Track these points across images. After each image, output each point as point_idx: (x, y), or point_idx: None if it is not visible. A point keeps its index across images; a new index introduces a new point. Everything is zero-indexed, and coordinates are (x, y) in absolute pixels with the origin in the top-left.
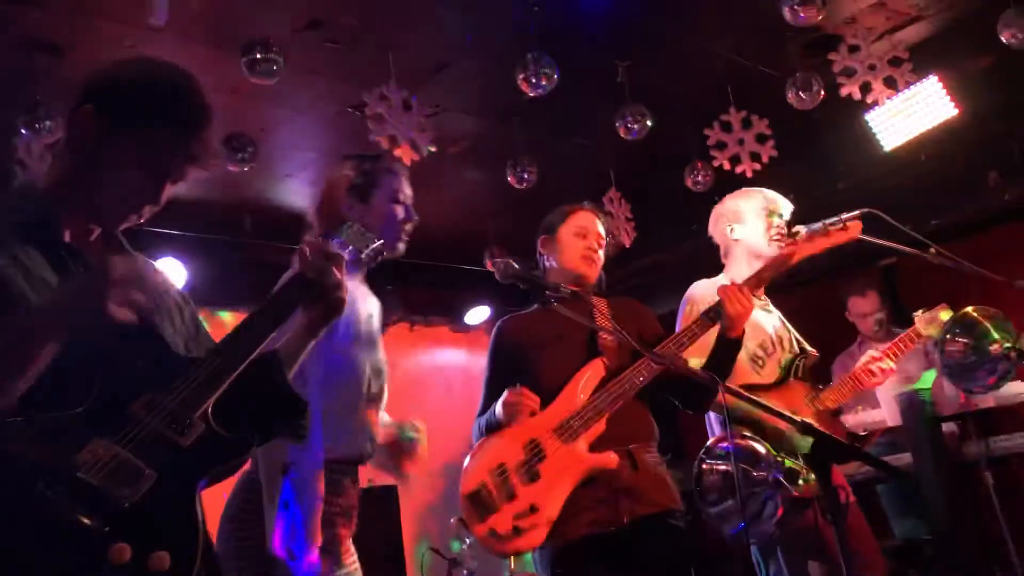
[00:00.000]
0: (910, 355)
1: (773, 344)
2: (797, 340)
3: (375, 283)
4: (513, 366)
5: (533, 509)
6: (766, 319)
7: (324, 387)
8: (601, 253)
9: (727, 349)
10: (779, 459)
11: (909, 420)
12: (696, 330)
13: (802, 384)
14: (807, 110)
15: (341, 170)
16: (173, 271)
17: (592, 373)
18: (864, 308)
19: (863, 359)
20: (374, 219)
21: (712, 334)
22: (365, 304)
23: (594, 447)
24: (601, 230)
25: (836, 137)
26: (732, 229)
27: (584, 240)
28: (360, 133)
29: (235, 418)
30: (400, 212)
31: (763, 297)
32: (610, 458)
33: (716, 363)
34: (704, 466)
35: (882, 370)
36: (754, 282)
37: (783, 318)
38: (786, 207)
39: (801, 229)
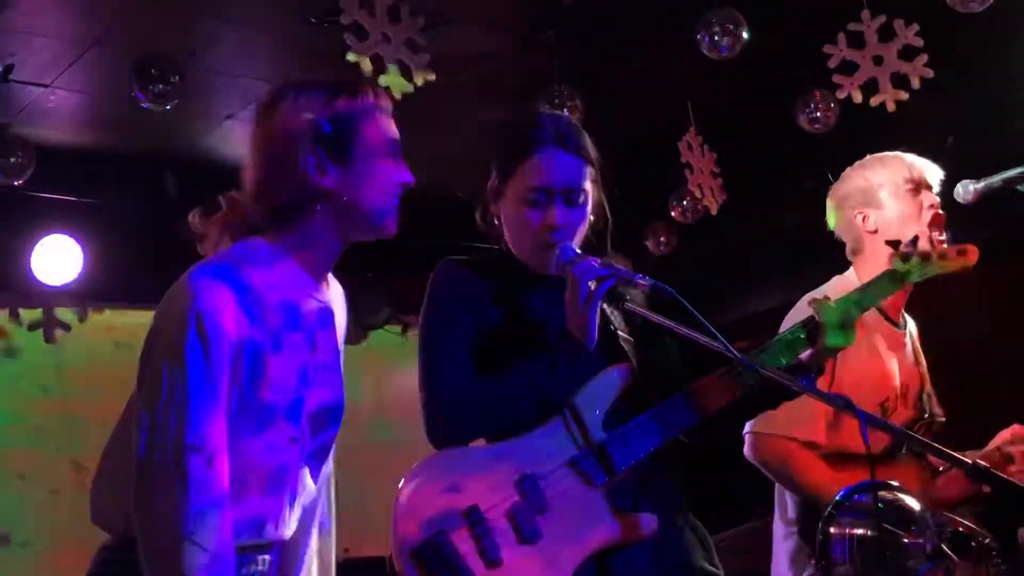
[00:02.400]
0: None
1: (896, 399)
2: (927, 394)
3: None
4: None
5: None
6: (894, 359)
7: None
8: (580, 215)
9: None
10: (944, 518)
11: None
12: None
13: (915, 463)
14: (973, 13)
15: (296, 108)
16: (63, 254)
17: (616, 381)
18: None
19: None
20: (358, 188)
21: None
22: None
23: (615, 499)
24: (587, 184)
25: (1018, 54)
26: (864, 217)
27: (539, 215)
28: (330, 54)
29: None
30: (394, 172)
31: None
32: (645, 522)
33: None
34: (832, 529)
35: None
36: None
37: (917, 344)
38: (936, 176)
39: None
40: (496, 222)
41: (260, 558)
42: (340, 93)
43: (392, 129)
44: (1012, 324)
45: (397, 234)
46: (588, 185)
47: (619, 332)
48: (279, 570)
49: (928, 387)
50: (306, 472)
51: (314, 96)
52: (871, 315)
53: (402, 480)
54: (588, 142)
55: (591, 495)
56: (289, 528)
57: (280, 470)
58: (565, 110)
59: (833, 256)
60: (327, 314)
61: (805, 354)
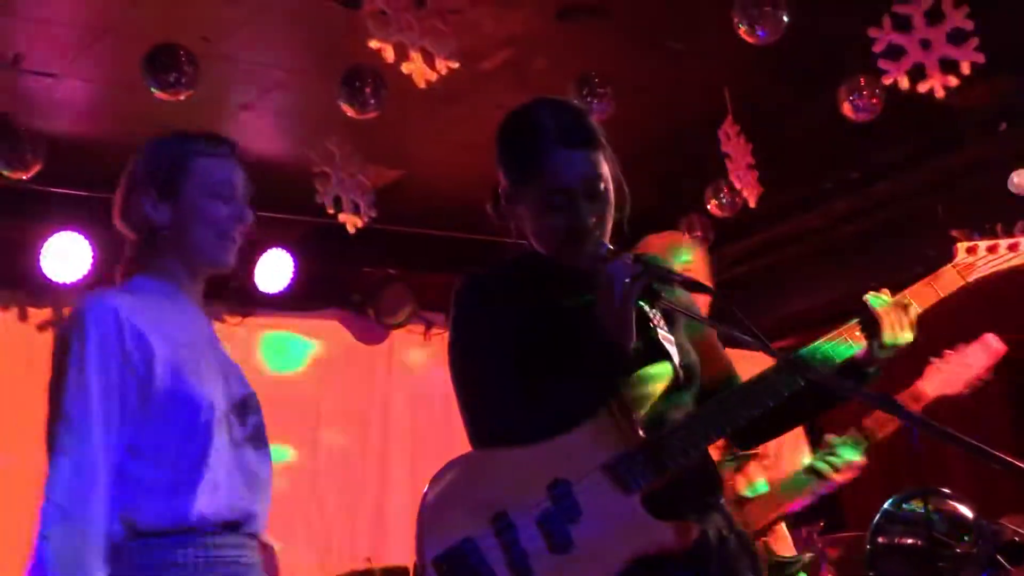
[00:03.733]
0: None
1: None
2: None
3: (370, 266)
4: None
5: None
6: None
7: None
8: (605, 205)
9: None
10: (998, 526)
11: None
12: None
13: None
14: None
15: (144, 152)
16: (71, 249)
17: (657, 384)
18: None
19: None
20: (187, 224)
21: None
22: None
23: (653, 505)
24: (603, 170)
25: None
26: None
27: (564, 219)
28: (351, 42)
29: None
30: (222, 210)
31: None
32: (687, 529)
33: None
34: (881, 539)
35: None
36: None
37: None
38: None
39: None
40: (512, 223)
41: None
42: (177, 137)
43: (222, 171)
44: None
45: (418, 227)
46: (605, 170)
47: (659, 330)
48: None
49: None
50: (250, 453)
51: (161, 141)
52: None
53: (428, 484)
54: (592, 123)
55: (627, 502)
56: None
57: (207, 452)
58: (596, 99)
59: (881, 250)
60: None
61: (860, 353)
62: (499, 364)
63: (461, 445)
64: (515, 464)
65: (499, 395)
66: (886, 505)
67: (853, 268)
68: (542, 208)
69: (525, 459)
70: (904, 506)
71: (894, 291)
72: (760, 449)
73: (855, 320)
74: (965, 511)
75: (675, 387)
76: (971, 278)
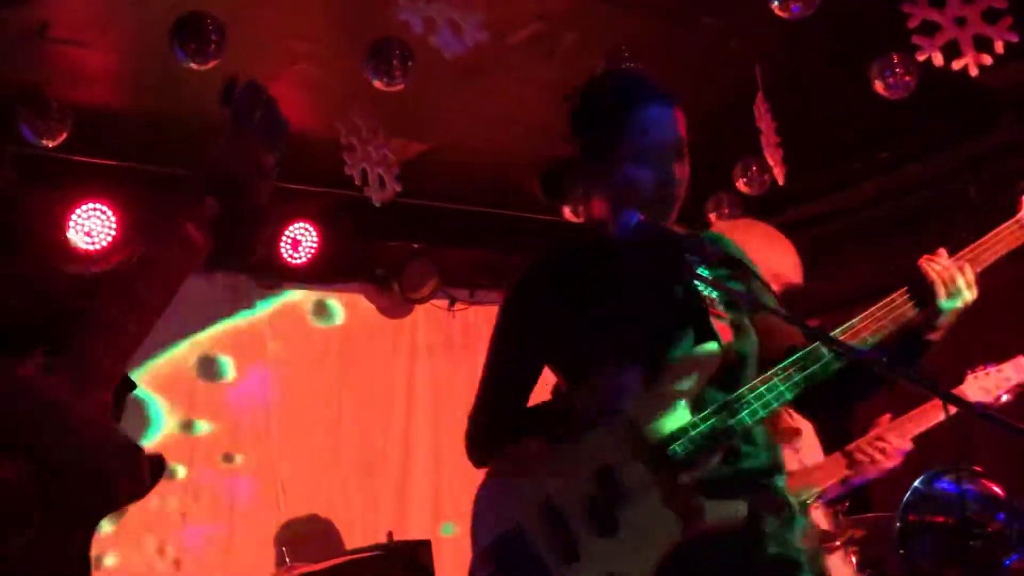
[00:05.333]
0: None
1: None
2: None
3: (395, 239)
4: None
5: None
6: None
7: None
8: (686, 168)
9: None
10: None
11: None
12: (882, 314)
13: None
14: None
15: None
16: (96, 220)
17: (702, 368)
18: None
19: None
20: None
21: None
22: None
23: (701, 487)
24: (683, 130)
25: None
26: None
27: (660, 160)
28: (377, 13)
29: None
30: None
31: None
32: (732, 507)
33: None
34: (911, 517)
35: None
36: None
37: None
38: None
39: None
40: (579, 193)
41: None
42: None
43: None
44: None
45: (444, 201)
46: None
47: (714, 311)
48: None
49: None
50: None
51: None
52: None
53: (484, 478)
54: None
55: (673, 483)
56: None
57: None
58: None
59: (913, 231)
60: None
61: (917, 319)
62: (507, 362)
63: None
64: (563, 453)
65: (490, 390)
66: (917, 483)
67: (883, 249)
68: (633, 161)
69: (571, 448)
70: (936, 484)
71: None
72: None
73: (904, 288)
74: (997, 490)
75: (724, 369)
76: None
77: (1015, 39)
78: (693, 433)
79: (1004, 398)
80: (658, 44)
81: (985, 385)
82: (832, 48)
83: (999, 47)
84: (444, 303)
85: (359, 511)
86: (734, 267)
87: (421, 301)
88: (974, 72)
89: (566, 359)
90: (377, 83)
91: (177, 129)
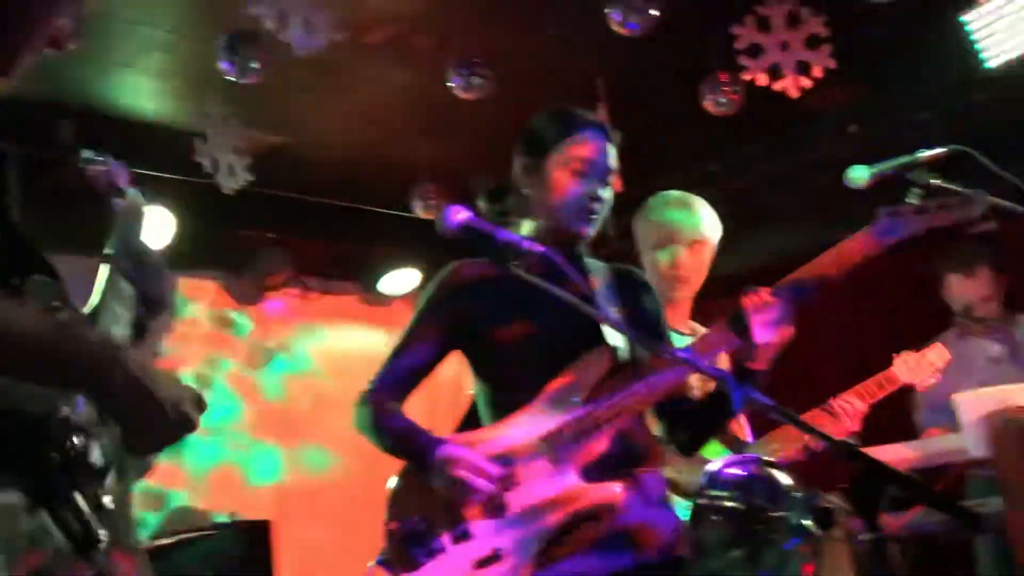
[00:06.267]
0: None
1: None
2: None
3: (248, 228)
4: (466, 337)
5: (496, 556)
6: None
7: None
8: (609, 195)
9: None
10: (810, 494)
11: (1003, 451)
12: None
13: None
14: (880, 3)
15: None
16: None
17: (595, 367)
18: (972, 292)
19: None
20: None
21: None
22: None
23: (588, 473)
24: (612, 161)
25: (921, 46)
26: None
27: (584, 181)
28: (232, 5)
29: None
30: None
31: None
32: (610, 490)
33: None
34: (702, 501)
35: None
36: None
37: None
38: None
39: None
40: (514, 205)
41: None
42: None
43: None
44: None
45: (301, 193)
46: (612, 178)
47: (609, 312)
48: None
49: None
50: None
51: None
52: None
53: None
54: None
55: (557, 470)
56: None
57: None
58: (476, 77)
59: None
60: None
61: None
62: (406, 353)
63: (328, 402)
64: (468, 442)
65: (386, 366)
66: (710, 467)
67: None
68: (565, 173)
69: (467, 442)
70: (728, 469)
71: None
72: None
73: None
74: (783, 479)
75: (615, 368)
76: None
77: (833, 65)
78: (573, 426)
79: (931, 380)
80: (507, 51)
81: (912, 367)
82: (670, 64)
83: (818, 71)
84: (297, 292)
85: (202, 492)
86: (634, 296)
87: (274, 290)
88: (794, 94)
89: (472, 356)
90: (231, 75)
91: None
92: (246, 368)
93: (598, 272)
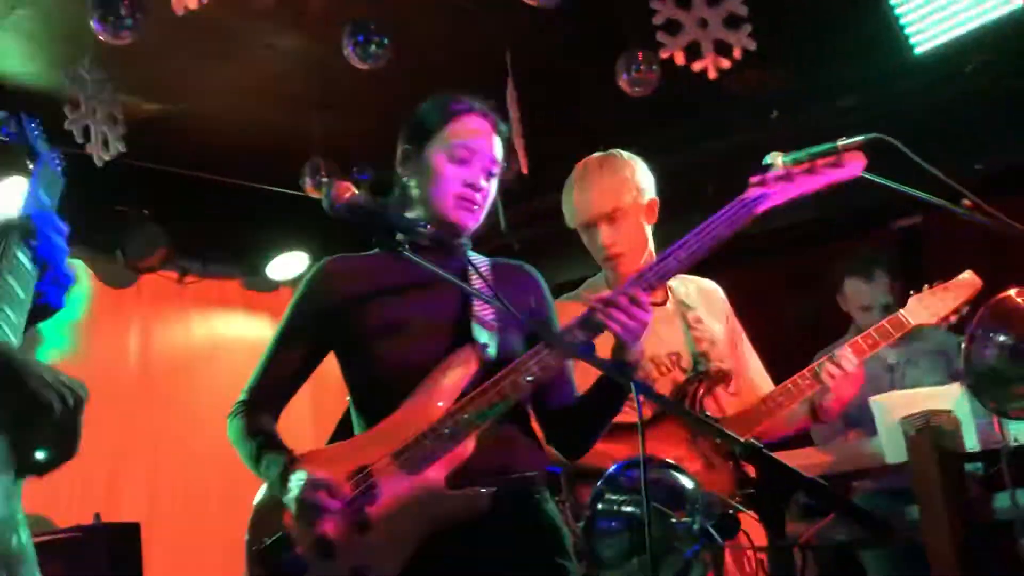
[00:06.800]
0: (922, 358)
1: (670, 365)
2: (700, 354)
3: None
4: (336, 339)
5: (361, 572)
6: (661, 326)
7: None
8: (493, 187)
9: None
10: (714, 499)
11: (918, 457)
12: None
13: (678, 424)
14: None
15: None
16: None
17: (461, 368)
18: (864, 298)
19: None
20: None
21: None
22: None
23: (454, 480)
24: (497, 152)
25: (846, 31)
26: None
27: (465, 169)
28: None
29: None
30: None
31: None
32: (475, 496)
33: (596, 402)
34: (599, 505)
35: (834, 376)
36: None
37: (695, 315)
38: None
39: (776, 159)
40: (406, 183)
41: None
42: None
43: None
44: None
45: (178, 167)
46: (500, 156)
47: (479, 313)
48: None
49: (702, 347)
50: None
51: None
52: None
53: None
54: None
55: (418, 479)
56: None
57: None
58: (373, 45)
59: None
60: None
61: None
62: (276, 360)
63: (206, 396)
64: (320, 461)
65: (259, 371)
66: (610, 470)
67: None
68: (445, 159)
69: (328, 455)
70: (626, 474)
71: None
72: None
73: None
74: (685, 482)
75: (484, 369)
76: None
77: (753, 46)
78: (432, 433)
79: (952, 319)
80: (407, 18)
81: (927, 306)
82: (584, 40)
83: (737, 52)
84: (174, 275)
85: (67, 489)
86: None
87: (148, 271)
88: (713, 75)
89: (342, 358)
90: (103, 34)
91: None
92: (120, 357)
93: (481, 266)
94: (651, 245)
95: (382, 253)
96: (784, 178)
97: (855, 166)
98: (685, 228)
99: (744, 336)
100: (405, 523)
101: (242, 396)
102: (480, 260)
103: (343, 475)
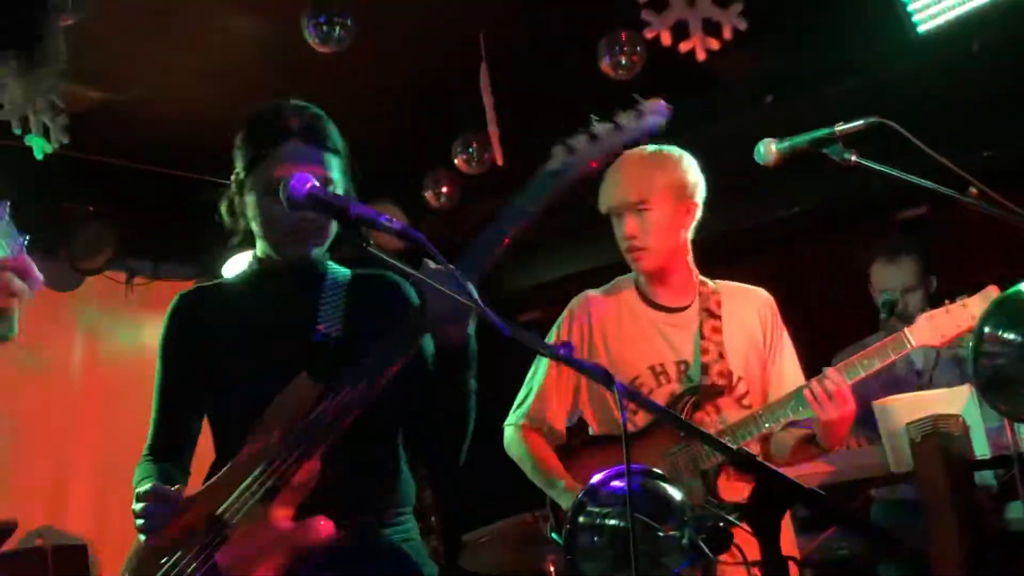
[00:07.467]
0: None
1: (655, 377)
2: (703, 365)
3: (65, 200)
4: (194, 372)
5: None
6: (657, 338)
7: None
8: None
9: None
10: (703, 511)
11: (925, 465)
12: None
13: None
14: None
15: None
16: None
17: (299, 394)
18: (887, 281)
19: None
20: None
21: None
22: None
23: (303, 513)
24: (333, 172)
25: (844, 9)
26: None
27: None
28: None
29: None
30: None
31: None
32: (318, 527)
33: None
34: (581, 519)
35: (825, 395)
36: None
37: (715, 324)
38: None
39: (770, 146)
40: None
41: None
42: None
43: None
44: None
45: (126, 160)
46: (337, 176)
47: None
48: None
49: (706, 359)
50: None
51: None
52: (627, 299)
53: None
54: (333, 129)
55: (264, 514)
56: None
57: None
58: (336, 28)
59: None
60: None
61: None
62: (163, 409)
63: None
64: (195, 499)
65: (152, 416)
66: (592, 481)
67: (602, 239)
68: (265, 193)
69: (193, 498)
70: (610, 486)
71: None
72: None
73: None
74: (673, 493)
75: (320, 397)
76: None
77: (743, 27)
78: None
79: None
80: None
81: (940, 325)
82: (564, 20)
83: (727, 32)
84: (122, 276)
85: (5, 506)
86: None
87: (94, 273)
88: (701, 56)
89: (206, 393)
90: None
91: None
92: (64, 366)
93: (341, 279)
94: (689, 256)
95: (227, 281)
96: (591, 139)
97: (659, 113)
98: None
99: (784, 350)
100: (253, 561)
101: (144, 451)
102: (343, 273)
103: (198, 518)
